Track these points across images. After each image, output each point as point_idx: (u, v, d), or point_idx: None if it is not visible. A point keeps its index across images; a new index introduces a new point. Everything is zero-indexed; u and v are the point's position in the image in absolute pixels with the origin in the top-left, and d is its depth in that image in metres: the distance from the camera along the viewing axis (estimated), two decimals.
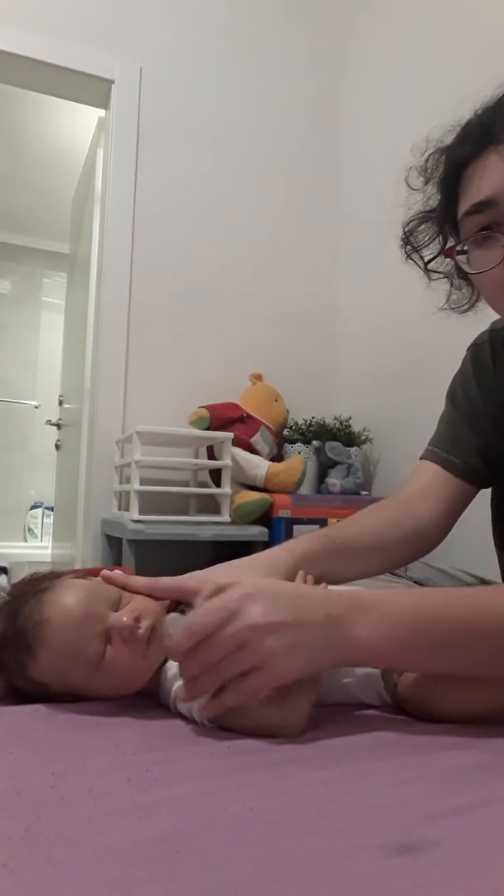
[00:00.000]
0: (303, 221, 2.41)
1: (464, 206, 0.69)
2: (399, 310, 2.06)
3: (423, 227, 0.78)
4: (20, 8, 2.06)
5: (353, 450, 2.07)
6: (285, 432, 2.18)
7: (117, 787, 0.46)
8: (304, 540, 0.80)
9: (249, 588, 0.56)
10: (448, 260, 0.75)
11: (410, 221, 0.79)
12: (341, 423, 2.13)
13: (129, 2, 2.21)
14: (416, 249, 0.79)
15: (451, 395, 0.96)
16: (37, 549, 3.89)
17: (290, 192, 2.40)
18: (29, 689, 0.65)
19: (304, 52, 2.45)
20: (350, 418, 2.15)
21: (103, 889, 0.33)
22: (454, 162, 0.70)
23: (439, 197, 0.74)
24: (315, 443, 2.08)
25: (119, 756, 0.51)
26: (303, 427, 2.15)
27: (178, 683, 0.60)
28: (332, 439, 2.08)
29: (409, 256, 0.80)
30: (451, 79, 1.87)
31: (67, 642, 0.61)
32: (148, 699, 0.67)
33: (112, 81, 2.16)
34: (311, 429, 2.13)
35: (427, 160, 0.74)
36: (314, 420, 2.16)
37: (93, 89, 2.19)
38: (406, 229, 0.79)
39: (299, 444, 2.10)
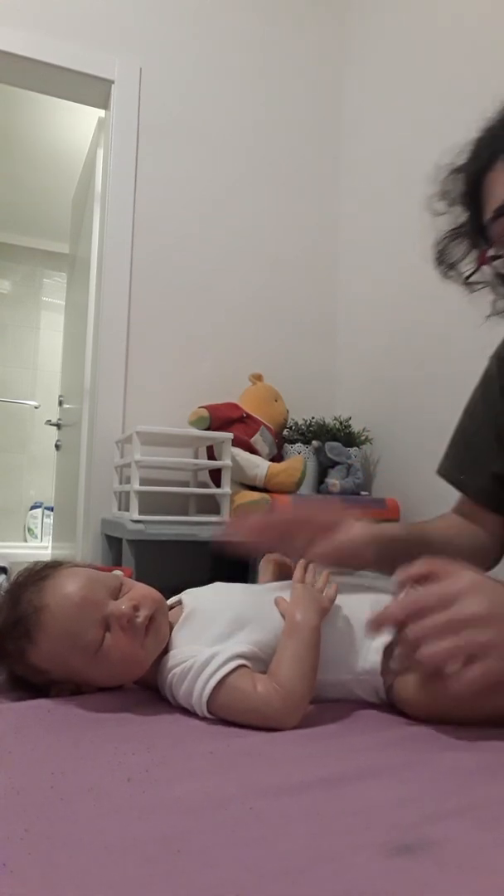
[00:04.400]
0: (303, 221, 2.41)
1: (488, 213, 0.73)
2: (399, 310, 2.06)
3: (453, 244, 0.81)
4: (20, 8, 2.06)
5: (352, 450, 2.07)
6: (285, 432, 2.18)
7: (117, 787, 0.46)
8: (389, 526, 0.81)
9: (470, 579, 0.57)
10: (486, 269, 0.78)
11: (441, 241, 0.82)
12: (341, 423, 2.13)
13: (129, 2, 2.21)
14: (452, 266, 0.81)
15: (471, 412, 0.92)
16: (37, 549, 3.88)
17: (290, 192, 2.40)
18: (30, 676, 0.65)
19: (305, 52, 2.45)
20: (350, 418, 2.15)
21: (103, 889, 0.33)
22: (471, 176, 0.75)
23: (465, 213, 0.78)
24: (315, 443, 2.08)
25: (119, 756, 0.51)
26: (303, 427, 2.15)
27: (225, 660, 0.60)
28: (332, 439, 2.08)
29: (445, 275, 0.82)
30: (451, 81, 1.87)
31: (66, 628, 0.62)
32: (148, 690, 0.67)
33: (112, 81, 2.16)
34: (311, 429, 2.13)
35: (445, 182, 0.79)
36: (314, 420, 2.15)
37: (93, 89, 2.19)
38: (438, 250, 0.82)
39: (299, 444, 2.10)
